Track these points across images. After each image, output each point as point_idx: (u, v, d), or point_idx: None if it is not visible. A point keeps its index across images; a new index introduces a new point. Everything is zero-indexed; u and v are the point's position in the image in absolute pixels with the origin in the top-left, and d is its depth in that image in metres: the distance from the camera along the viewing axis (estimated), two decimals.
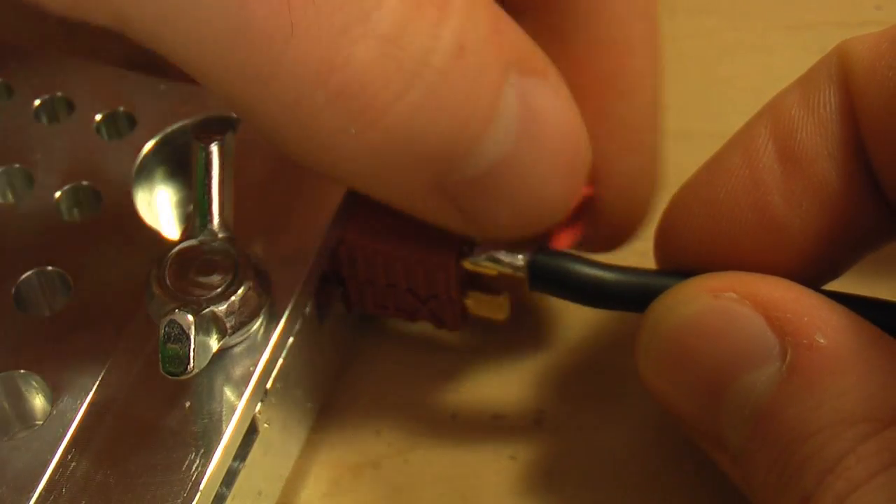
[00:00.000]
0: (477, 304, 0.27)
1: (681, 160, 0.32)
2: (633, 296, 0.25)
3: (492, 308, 0.27)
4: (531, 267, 0.25)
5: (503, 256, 0.26)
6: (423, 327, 0.29)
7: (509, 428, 0.28)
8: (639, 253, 0.29)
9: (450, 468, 0.28)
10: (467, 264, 0.26)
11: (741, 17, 0.36)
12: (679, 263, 0.25)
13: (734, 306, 0.23)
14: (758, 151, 0.23)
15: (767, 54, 0.35)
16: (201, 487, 0.23)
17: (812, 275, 0.24)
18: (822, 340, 0.22)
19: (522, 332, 0.30)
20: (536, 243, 0.25)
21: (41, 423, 0.24)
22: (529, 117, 0.23)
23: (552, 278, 0.25)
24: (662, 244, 0.25)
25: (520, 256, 0.25)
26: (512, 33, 0.23)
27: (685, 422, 0.24)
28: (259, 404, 0.25)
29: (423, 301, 0.27)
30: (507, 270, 0.26)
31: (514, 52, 0.22)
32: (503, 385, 0.29)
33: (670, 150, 0.33)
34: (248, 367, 0.24)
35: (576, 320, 0.30)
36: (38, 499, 0.23)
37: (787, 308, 0.22)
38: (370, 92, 0.20)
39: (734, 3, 0.36)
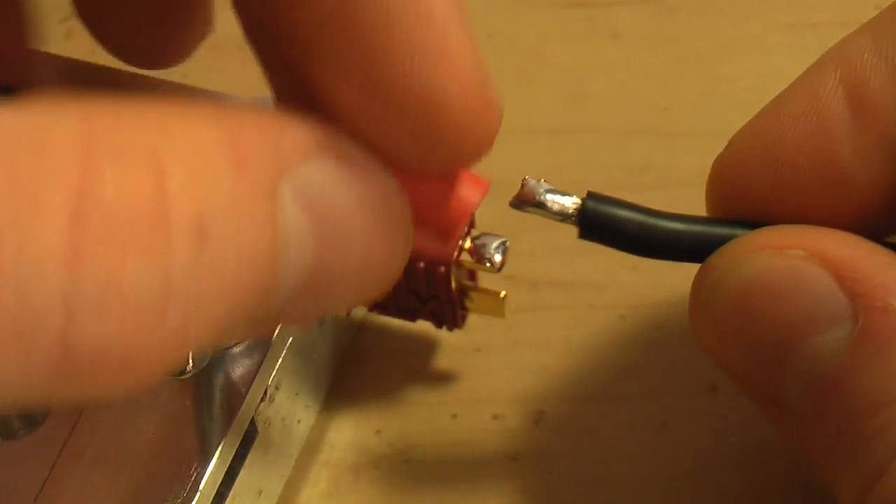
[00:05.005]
0: (477, 303, 0.27)
1: (681, 160, 0.32)
2: (689, 246, 0.23)
3: (492, 307, 0.27)
4: (582, 214, 0.23)
5: (550, 203, 0.23)
6: (423, 327, 0.29)
7: (509, 428, 0.28)
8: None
9: (450, 468, 0.28)
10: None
11: (741, 17, 0.36)
12: (734, 211, 0.23)
13: (801, 265, 0.21)
14: (827, 98, 0.22)
15: (767, 54, 0.35)
16: (201, 487, 0.23)
17: (875, 230, 0.22)
18: None
19: (522, 332, 0.30)
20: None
21: (42, 423, 0.24)
22: (320, 214, 0.18)
23: (604, 226, 0.23)
24: (718, 188, 0.24)
25: (570, 201, 0.23)
26: (255, 145, 0.18)
27: (742, 382, 0.23)
28: (259, 404, 0.25)
29: (423, 301, 0.27)
30: (555, 218, 0.23)
31: (277, 158, 0.18)
32: (503, 385, 0.29)
33: (670, 150, 0.33)
34: (247, 367, 0.24)
35: (576, 320, 0.30)
36: (38, 498, 0.23)
37: (858, 268, 0.21)
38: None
39: (734, 3, 0.36)
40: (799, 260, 0.21)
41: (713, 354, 0.23)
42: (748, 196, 0.23)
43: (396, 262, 0.20)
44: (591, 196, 0.23)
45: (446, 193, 0.22)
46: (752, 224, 0.23)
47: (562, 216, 0.23)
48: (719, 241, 0.23)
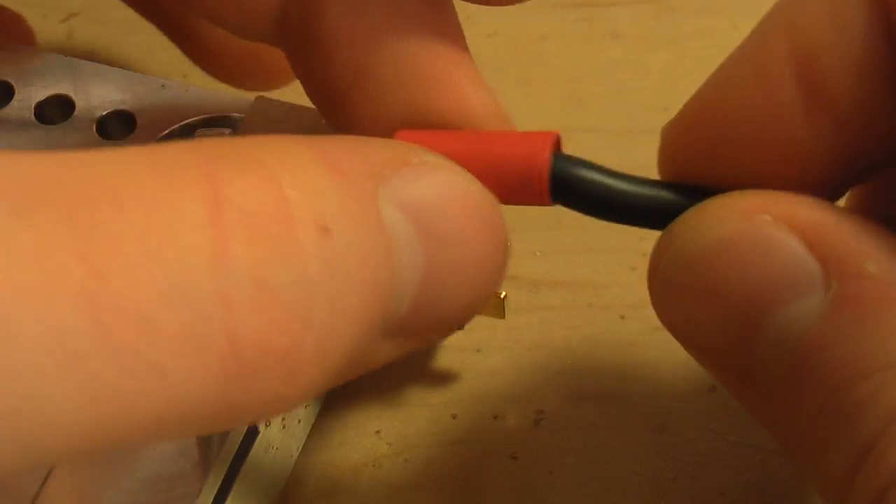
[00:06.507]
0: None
1: None
2: (658, 212, 0.22)
3: (492, 308, 0.27)
4: (552, 175, 0.22)
5: None
6: None
7: (509, 428, 0.29)
8: (628, 267, 0.29)
9: (450, 468, 0.28)
10: None
11: (741, 17, 0.36)
12: (686, 177, 0.23)
13: (769, 230, 0.20)
14: (775, 76, 0.21)
15: None
16: (201, 487, 0.23)
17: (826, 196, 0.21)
18: (872, 269, 0.19)
19: (522, 332, 0.30)
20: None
21: None
22: (421, 216, 0.19)
23: (571, 188, 0.22)
24: (668, 156, 0.23)
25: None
26: (346, 158, 0.19)
27: (709, 359, 0.21)
28: None
29: None
30: None
31: (371, 168, 0.19)
32: (503, 385, 0.29)
33: None
34: None
35: (576, 320, 0.30)
36: (38, 498, 0.23)
37: (829, 232, 0.20)
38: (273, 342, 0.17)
39: (734, 3, 0.36)
40: (766, 225, 0.20)
41: (676, 330, 0.22)
42: (699, 166, 0.22)
43: (501, 256, 0.21)
44: (558, 157, 0.23)
45: (518, 155, 0.22)
46: (719, 191, 0.22)
47: None
48: (686, 207, 0.22)
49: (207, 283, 0.15)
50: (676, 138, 0.23)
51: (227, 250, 0.16)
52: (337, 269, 0.17)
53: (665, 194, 0.22)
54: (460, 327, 0.23)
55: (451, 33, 0.24)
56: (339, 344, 0.17)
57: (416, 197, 0.19)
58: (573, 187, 0.23)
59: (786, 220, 0.20)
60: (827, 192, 0.22)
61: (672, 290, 0.21)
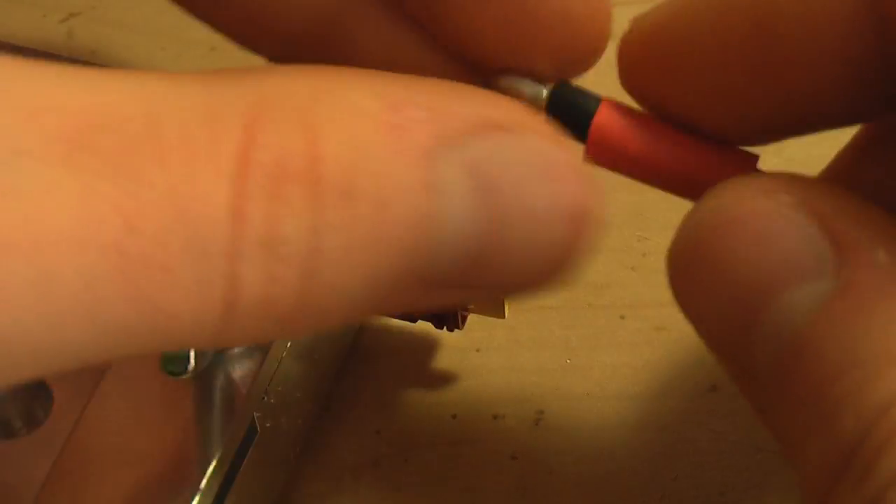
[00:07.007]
0: (477, 304, 0.27)
1: None
2: None
3: (492, 308, 0.27)
4: (552, 100, 0.22)
5: (526, 87, 0.22)
6: (423, 327, 0.29)
7: (509, 428, 0.29)
8: (628, 267, 0.29)
9: (450, 468, 0.28)
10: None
11: None
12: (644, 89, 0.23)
13: (786, 210, 0.19)
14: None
15: None
16: (201, 487, 0.23)
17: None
18: (883, 257, 0.18)
19: (522, 332, 0.30)
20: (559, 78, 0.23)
21: (43, 422, 0.24)
22: (489, 185, 0.19)
23: (573, 117, 0.22)
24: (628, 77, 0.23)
25: (543, 90, 0.22)
26: (415, 113, 0.18)
27: (712, 341, 0.21)
28: (259, 404, 0.25)
29: None
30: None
31: (441, 127, 0.18)
32: (503, 385, 0.29)
33: None
34: (248, 367, 0.25)
35: (576, 320, 0.30)
36: (39, 498, 0.23)
37: (846, 219, 0.19)
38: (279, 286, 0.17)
39: None
40: (783, 205, 0.19)
41: (683, 305, 0.21)
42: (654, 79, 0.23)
43: (580, 237, 0.20)
44: (562, 84, 0.23)
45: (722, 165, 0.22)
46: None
47: (535, 103, 0.22)
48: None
49: (221, 239, 0.16)
50: (637, 43, 0.23)
51: (242, 210, 0.16)
52: (354, 232, 0.17)
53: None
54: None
55: None
56: (341, 299, 0.18)
57: (491, 164, 0.19)
58: (577, 118, 0.23)
59: (805, 202, 0.19)
60: (759, 132, 0.22)
61: (683, 265, 0.21)
